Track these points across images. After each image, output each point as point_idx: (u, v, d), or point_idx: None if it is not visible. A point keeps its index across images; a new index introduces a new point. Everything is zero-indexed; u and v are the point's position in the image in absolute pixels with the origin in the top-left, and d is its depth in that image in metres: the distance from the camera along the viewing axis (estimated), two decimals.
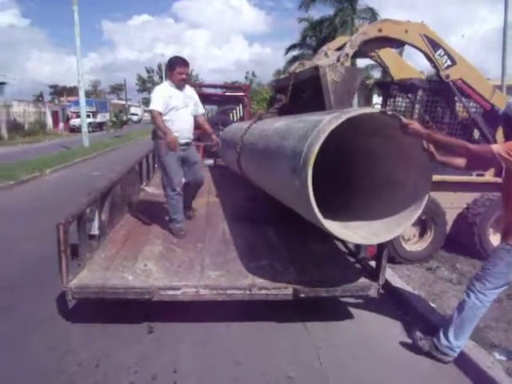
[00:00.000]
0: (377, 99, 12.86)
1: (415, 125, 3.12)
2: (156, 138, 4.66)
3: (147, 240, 4.57)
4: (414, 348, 3.42)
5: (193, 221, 5.21)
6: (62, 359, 3.19)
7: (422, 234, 5.96)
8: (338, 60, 5.27)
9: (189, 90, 4.86)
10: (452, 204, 6.06)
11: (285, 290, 3.52)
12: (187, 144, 4.81)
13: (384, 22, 5.37)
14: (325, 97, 5.05)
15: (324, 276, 3.74)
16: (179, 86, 4.67)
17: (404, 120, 3.14)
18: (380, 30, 5.36)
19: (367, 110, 3.27)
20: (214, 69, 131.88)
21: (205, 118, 5.40)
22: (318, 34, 26.09)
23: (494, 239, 6.05)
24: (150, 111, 4.56)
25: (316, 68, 5.16)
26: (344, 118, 3.06)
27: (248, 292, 3.50)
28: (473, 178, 6.08)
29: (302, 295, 3.47)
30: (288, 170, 3.42)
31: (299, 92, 6.04)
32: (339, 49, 5.93)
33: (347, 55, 5.28)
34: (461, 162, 3.58)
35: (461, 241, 6.13)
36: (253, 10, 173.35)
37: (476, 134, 6.25)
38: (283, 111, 6.15)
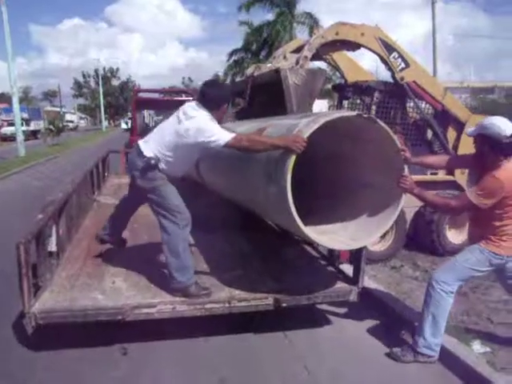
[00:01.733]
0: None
1: (410, 182, 3.20)
2: (149, 170, 3.39)
3: (110, 254, 4.28)
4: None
5: (152, 230, 4.89)
6: None
7: (383, 234, 6.04)
8: (297, 63, 5.26)
9: None
10: (408, 203, 6.19)
11: (265, 301, 3.41)
12: None
13: (341, 26, 5.42)
14: (286, 100, 5.01)
15: (302, 283, 3.67)
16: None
17: (404, 178, 3.20)
18: (337, 33, 5.41)
19: (344, 113, 3.25)
20: (149, 74, 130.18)
21: None
22: (259, 39, 26.22)
23: (451, 235, 6.28)
24: (229, 142, 3.18)
25: (277, 71, 5.11)
26: (322, 121, 3.01)
27: (227, 305, 3.36)
28: (427, 176, 6.24)
29: (284, 304, 3.38)
30: (262, 177, 3.31)
31: (258, 95, 5.97)
32: (295, 52, 5.94)
33: (306, 57, 5.28)
34: (433, 161, 3.67)
35: (419, 239, 6.29)
36: (188, 14, 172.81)
37: (429, 134, 6.46)
38: (241, 115, 6.06)
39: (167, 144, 3.35)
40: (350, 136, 3.53)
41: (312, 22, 23.99)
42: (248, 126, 4.29)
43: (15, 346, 3.49)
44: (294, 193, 2.95)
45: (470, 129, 3.41)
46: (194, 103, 3.45)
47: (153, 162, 3.34)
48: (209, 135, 3.18)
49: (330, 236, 3.47)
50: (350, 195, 3.73)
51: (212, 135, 3.18)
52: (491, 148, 3.06)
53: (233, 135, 3.19)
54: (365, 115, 3.19)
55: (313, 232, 3.23)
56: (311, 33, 21.80)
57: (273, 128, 3.61)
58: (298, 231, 3.12)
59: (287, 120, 3.63)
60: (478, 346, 3.37)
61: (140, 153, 3.42)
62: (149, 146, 3.42)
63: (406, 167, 3.25)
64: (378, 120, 3.19)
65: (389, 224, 3.35)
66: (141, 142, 3.52)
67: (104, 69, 72.20)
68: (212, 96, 3.38)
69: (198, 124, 3.22)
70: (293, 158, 2.94)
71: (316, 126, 2.97)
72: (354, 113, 3.23)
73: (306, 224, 3.07)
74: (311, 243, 4.63)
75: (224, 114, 3.52)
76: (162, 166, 3.38)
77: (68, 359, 3.28)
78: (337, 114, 3.11)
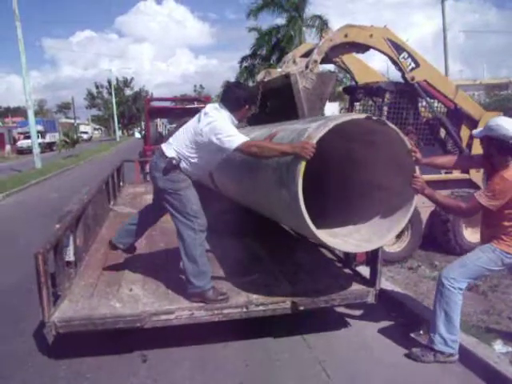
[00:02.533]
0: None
1: (422, 183, 3.19)
2: (172, 170, 3.41)
3: (127, 262, 4.33)
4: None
5: (168, 237, 4.94)
6: None
7: (399, 235, 6.01)
8: (307, 67, 5.27)
9: None
10: (424, 203, 6.12)
11: (283, 304, 3.41)
12: None
13: (349, 28, 5.43)
14: (297, 104, 5.04)
15: (318, 286, 3.66)
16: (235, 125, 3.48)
17: (415, 178, 3.20)
18: (346, 36, 5.43)
19: (354, 115, 3.24)
20: (161, 83, 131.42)
21: None
22: (269, 44, 26.31)
23: (468, 234, 6.21)
24: (240, 147, 3.18)
25: (287, 76, 5.14)
26: (332, 125, 3.01)
27: (245, 310, 3.36)
28: (442, 175, 6.20)
29: (302, 308, 3.37)
30: (273, 182, 3.32)
31: (268, 101, 5.99)
32: (305, 56, 5.96)
33: (316, 61, 5.30)
34: (444, 162, 3.65)
35: (436, 238, 6.24)
36: (197, 22, 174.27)
37: (442, 133, 6.41)
38: (252, 121, 6.08)
39: (188, 143, 3.39)
40: (360, 138, 3.53)
41: (321, 25, 23.94)
42: (259, 132, 4.31)
43: (36, 355, 3.54)
44: (306, 196, 2.96)
45: (475, 130, 3.40)
46: (216, 103, 3.50)
47: (174, 162, 3.38)
48: (222, 136, 3.21)
49: (343, 239, 3.47)
50: (361, 197, 3.72)
51: (225, 136, 3.20)
52: (498, 149, 3.08)
53: (245, 139, 3.20)
54: (374, 117, 3.18)
55: (326, 235, 3.23)
56: (321, 35, 21.72)
57: (283, 132, 3.63)
58: (311, 235, 3.12)
59: (297, 124, 3.64)
60: (499, 346, 3.32)
61: (162, 154, 3.47)
62: (171, 147, 3.47)
63: (417, 168, 3.23)
64: (388, 122, 3.19)
65: (402, 225, 3.33)
66: (163, 145, 3.57)
67: (117, 79, 73.11)
68: (235, 96, 3.42)
69: (214, 123, 3.25)
70: (303, 164, 2.95)
71: (325, 130, 2.98)
72: (363, 115, 3.23)
73: (318, 227, 3.07)
74: (326, 246, 4.62)
75: (245, 115, 3.55)
76: (183, 165, 3.41)
77: (88, 367, 3.31)
78: (346, 117, 3.10)
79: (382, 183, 3.54)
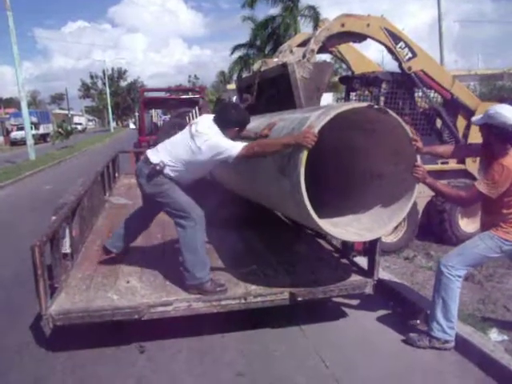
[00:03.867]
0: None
1: (423, 171, 3.20)
2: (155, 175, 3.43)
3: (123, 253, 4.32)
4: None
5: (164, 229, 4.94)
6: None
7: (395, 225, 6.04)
8: (304, 56, 5.23)
9: None
10: (420, 193, 6.14)
11: (281, 295, 3.42)
12: None
13: (346, 17, 5.38)
14: (294, 94, 4.99)
15: (317, 277, 3.67)
16: None
17: (417, 167, 3.19)
18: (343, 25, 5.37)
19: (355, 104, 3.22)
20: (154, 73, 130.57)
21: None
22: (264, 34, 26.13)
23: (464, 224, 6.24)
24: (241, 153, 3.22)
25: (284, 65, 5.09)
26: (333, 113, 2.99)
27: (243, 301, 3.37)
28: (438, 166, 6.20)
29: (300, 299, 3.38)
30: (275, 172, 3.31)
31: (265, 91, 5.95)
32: (301, 45, 5.91)
33: (313, 51, 5.25)
34: (444, 151, 3.65)
35: (432, 228, 6.26)
36: (190, 12, 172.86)
37: (438, 123, 6.40)
38: (249, 111, 6.04)
39: (179, 158, 3.40)
40: (361, 127, 3.51)
41: (314, 15, 23.85)
42: (258, 122, 4.27)
43: (33, 347, 3.54)
44: (307, 186, 2.95)
45: (475, 118, 3.39)
46: (208, 120, 3.48)
47: (158, 168, 3.40)
48: (221, 151, 3.25)
49: (344, 228, 3.45)
50: (362, 187, 3.71)
51: (224, 150, 3.24)
52: (498, 137, 3.08)
53: (243, 146, 3.22)
54: (375, 106, 3.17)
55: (327, 224, 3.22)
56: (315, 26, 21.73)
57: (283, 122, 3.61)
58: (313, 224, 3.12)
59: (298, 113, 3.61)
60: (495, 335, 3.35)
61: (147, 160, 3.49)
62: (157, 154, 3.47)
63: (418, 157, 3.23)
64: (389, 110, 3.17)
65: (403, 215, 3.33)
66: (149, 152, 3.58)
67: (112, 69, 72.55)
68: (228, 117, 3.45)
69: (209, 141, 3.27)
70: (305, 153, 2.94)
71: (327, 119, 2.96)
72: (365, 104, 3.21)
73: (318, 217, 3.06)
74: (324, 236, 4.62)
75: (235, 136, 3.52)
76: (168, 172, 3.42)
77: (86, 359, 3.31)
78: (347, 106, 3.09)
79: (383, 172, 3.54)
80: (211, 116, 3.52)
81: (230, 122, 3.44)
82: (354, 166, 3.83)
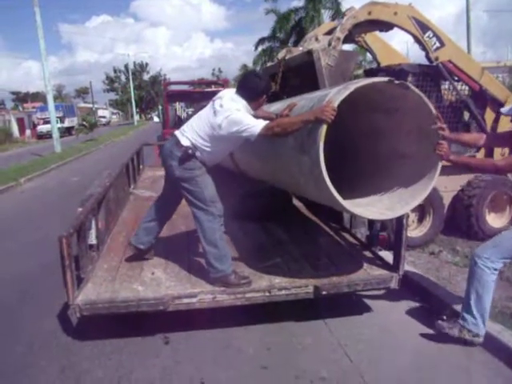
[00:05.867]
0: None
1: (447, 148, 3.09)
2: (187, 159, 3.40)
3: None
4: (439, 335, 3.35)
5: (188, 220, 4.90)
6: (79, 381, 2.99)
7: (420, 220, 5.95)
8: (330, 44, 5.17)
9: None
10: (446, 188, 6.05)
11: (305, 289, 3.39)
12: None
13: (373, 5, 5.29)
14: (319, 81, 4.93)
15: (341, 270, 3.63)
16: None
17: (440, 144, 3.08)
18: (370, 13, 5.28)
19: (375, 79, 3.08)
20: (177, 67, 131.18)
21: None
22: (287, 27, 25.99)
23: (491, 219, 6.10)
24: (261, 133, 3.14)
25: (309, 53, 5.03)
26: (353, 87, 2.90)
27: (268, 294, 3.36)
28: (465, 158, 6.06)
29: (324, 292, 3.35)
30: (295, 150, 3.24)
31: (290, 79, 5.90)
32: (327, 34, 5.83)
33: (339, 39, 5.19)
34: (470, 138, 3.56)
35: (458, 223, 6.14)
36: (212, 5, 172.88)
37: (466, 115, 6.26)
38: (273, 99, 6.01)
39: (203, 135, 3.36)
40: (383, 107, 3.42)
41: (336, 7, 23.67)
42: (279, 105, 4.22)
43: (60, 335, 3.61)
44: (329, 168, 2.89)
45: (504, 108, 3.30)
46: (232, 92, 3.44)
47: (190, 151, 3.37)
48: (241, 127, 3.17)
49: (366, 207, 3.35)
50: (386, 168, 3.60)
51: (244, 126, 3.17)
52: None
53: (264, 124, 3.15)
54: (396, 81, 3.03)
55: (348, 204, 3.13)
56: (334, 18, 21.51)
57: (303, 101, 3.55)
58: (334, 202, 3.01)
59: (317, 93, 3.56)
60: None
61: (177, 142, 3.44)
62: (186, 136, 3.43)
63: (441, 134, 3.13)
64: (411, 85, 3.07)
65: (425, 193, 3.18)
66: (178, 132, 3.53)
67: (134, 63, 73.17)
68: (252, 86, 3.39)
69: (231, 117, 3.20)
70: (324, 127, 2.87)
71: (347, 93, 2.88)
72: (386, 79, 3.05)
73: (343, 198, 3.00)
74: (349, 230, 4.57)
75: (261, 105, 3.50)
76: (198, 154, 3.39)
77: (111, 348, 3.36)
78: (367, 81, 2.98)
79: (406, 152, 3.43)
80: (233, 91, 3.46)
81: (255, 91, 3.38)
82: (377, 148, 3.73)
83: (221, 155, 3.58)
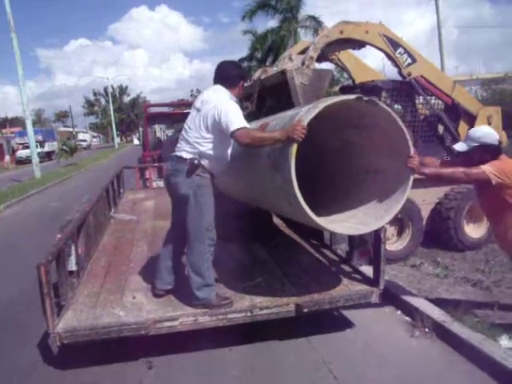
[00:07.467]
0: None
1: (418, 161, 3.18)
2: (195, 169, 3.36)
3: (129, 269, 4.32)
4: (421, 348, 3.38)
5: None
6: None
7: (400, 233, 6.02)
8: (303, 63, 5.28)
9: None
10: (424, 200, 6.17)
11: (287, 307, 3.40)
12: None
13: (345, 24, 5.43)
14: (294, 100, 5.03)
15: (322, 287, 3.65)
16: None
17: (411, 158, 3.16)
18: (342, 32, 5.42)
19: (344, 97, 3.15)
20: (156, 88, 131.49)
21: None
22: (264, 47, 26.28)
23: (469, 230, 6.21)
24: (235, 133, 3.15)
25: (283, 72, 5.13)
26: (322, 106, 2.96)
27: (249, 314, 3.35)
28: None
29: (306, 310, 3.36)
30: (268, 168, 3.27)
31: (265, 99, 5.99)
32: (301, 53, 5.96)
33: (312, 58, 5.30)
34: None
35: (437, 235, 6.23)
36: (190, 27, 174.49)
37: (440, 129, 6.40)
38: (250, 119, 6.07)
39: (201, 141, 3.34)
40: (354, 124, 3.48)
41: (316, 25, 23.91)
42: (254, 124, 4.27)
43: (41, 365, 3.53)
44: (302, 185, 2.93)
45: (459, 145, 3.39)
46: (211, 86, 3.51)
47: (196, 161, 3.34)
48: (225, 116, 3.19)
49: (340, 223, 3.38)
50: (358, 184, 3.65)
51: (228, 116, 3.19)
52: (492, 153, 3.24)
53: (243, 125, 3.16)
54: (365, 98, 3.08)
55: (322, 220, 3.13)
56: (316, 35, 21.74)
57: (276, 121, 3.60)
58: (307, 219, 3.05)
59: (288, 112, 3.62)
60: (505, 341, 3.30)
61: (179, 158, 3.41)
62: (185, 150, 3.40)
63: (412, 148, 3.19)
64: (380, 102, 3.14)
65: (398, 208, 3.22)
66: (176, 152, 3.49)
67: (112, 87, 73.14)
68: (230, 74, 3.50)
69: (218, 105, 3.26)
70: (295, 146, 2.92)
71: (316, 111, 2.94)
72: (354, 96, 3.11)
73: (317, 215, 3.02)
74: (329, 247, 4.60)
75: (241, 91, 3.60)
76: (204, 162, 3.37)
77: (94, 376, 3.30)
78: (336, 99, 3.04)
79: (378, 167, 3.50)
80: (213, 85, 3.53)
81: (234, 78, 3.50)
82: (351, 163, 3.78)
83: (226, 155, 3.53)
